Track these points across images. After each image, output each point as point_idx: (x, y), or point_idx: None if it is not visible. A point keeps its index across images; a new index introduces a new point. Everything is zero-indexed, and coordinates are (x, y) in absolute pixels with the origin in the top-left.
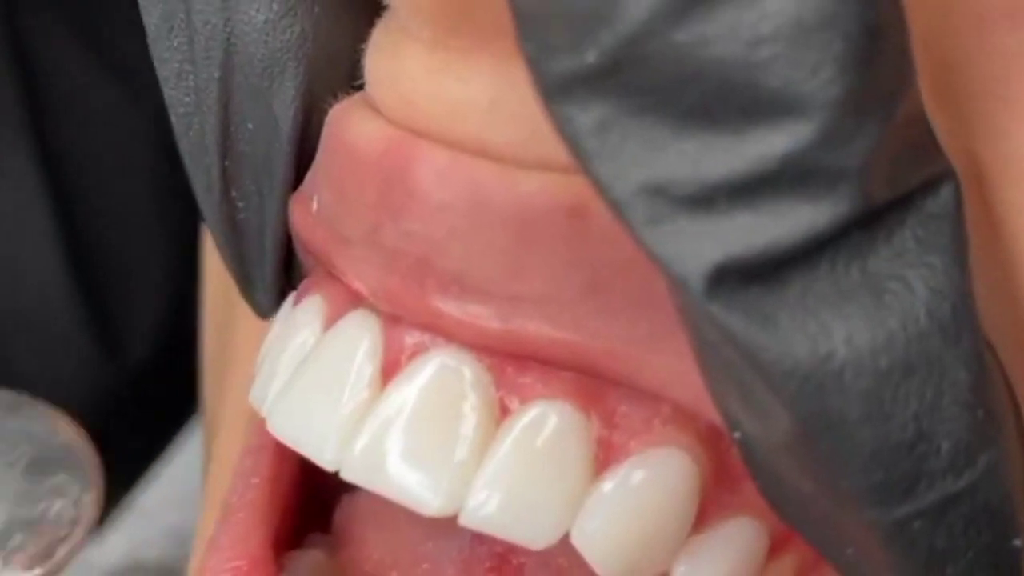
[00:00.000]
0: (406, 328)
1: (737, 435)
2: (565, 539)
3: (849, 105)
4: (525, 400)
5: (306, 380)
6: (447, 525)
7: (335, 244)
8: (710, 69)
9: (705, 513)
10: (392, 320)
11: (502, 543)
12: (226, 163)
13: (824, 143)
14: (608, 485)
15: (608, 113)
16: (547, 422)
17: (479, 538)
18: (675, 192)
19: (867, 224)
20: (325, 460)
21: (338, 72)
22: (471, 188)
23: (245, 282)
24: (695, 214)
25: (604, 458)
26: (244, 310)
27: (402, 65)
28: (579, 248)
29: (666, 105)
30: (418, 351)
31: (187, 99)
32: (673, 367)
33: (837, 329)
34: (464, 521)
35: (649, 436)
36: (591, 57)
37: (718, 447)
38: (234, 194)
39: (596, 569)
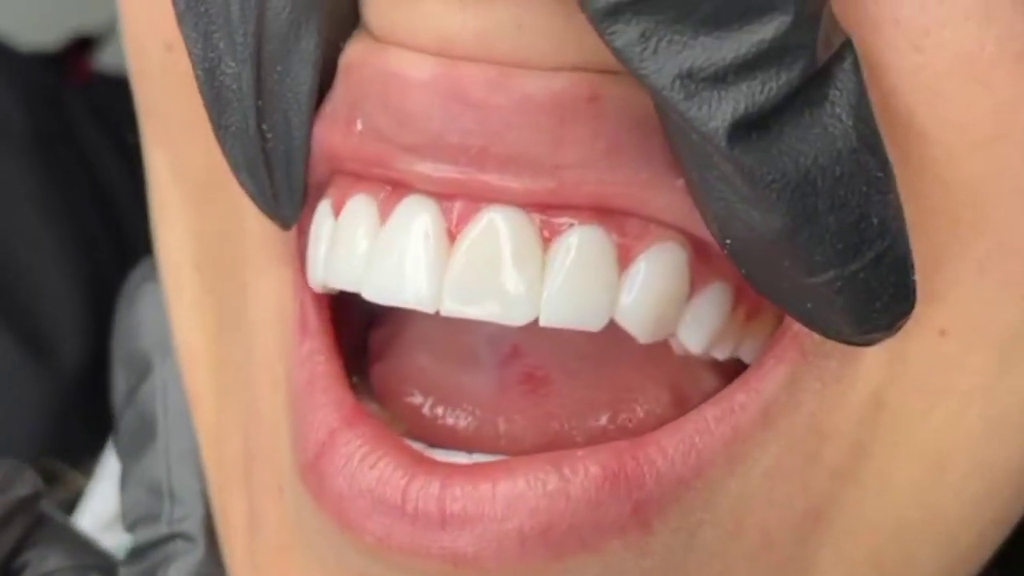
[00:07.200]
0: (458, 200)
1: (728, 242)
2: (561, 343)
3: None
4: (561, 232)
5: (389, 252)
6: (477, 355)
7: (395, 152)
8: None
9: (694, 284)
10: (445, 196)
11: (526, 364)
12: (259, 102)
13: (794, 27)
14: (632, 274)
15: (648, 27)
16: (581, 240)
17: (505, 363)
18: (700, 75)
19: (816, 79)
20: (426, 307)
21: (342, 18)
22: (518, 91)
23: (272, 203)
24: (715, 88)
25: (624, 257)
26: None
27: (429, 11)
28: (598, 124)
29: (690, 16)
30: (472, 212)
31: (211, 55)
32: (663, 199)
33: (807, 152)
34: (545, 322)
35: (651, 238)
36: None
37: (694, 239)
38: (264, 127)
39: (637, 337)
